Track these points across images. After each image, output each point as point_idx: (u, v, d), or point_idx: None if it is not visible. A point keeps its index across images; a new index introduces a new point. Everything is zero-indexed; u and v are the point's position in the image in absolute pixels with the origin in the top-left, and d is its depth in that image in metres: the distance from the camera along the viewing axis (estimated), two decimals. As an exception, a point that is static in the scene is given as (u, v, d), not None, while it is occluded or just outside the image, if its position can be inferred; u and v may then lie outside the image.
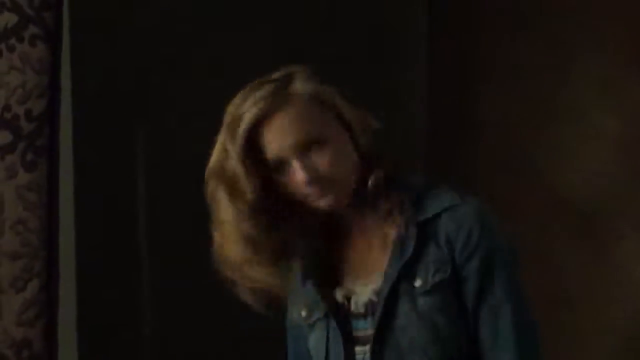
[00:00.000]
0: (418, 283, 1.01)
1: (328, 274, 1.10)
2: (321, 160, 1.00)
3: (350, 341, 1.07)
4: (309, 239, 1.10)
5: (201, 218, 1.04)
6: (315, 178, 0.99)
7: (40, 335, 1.65)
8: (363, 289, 1.06)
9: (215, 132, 1.02)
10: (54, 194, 1.69)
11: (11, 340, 1.64)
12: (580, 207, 2.40)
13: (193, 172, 1.10)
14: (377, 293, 1.04)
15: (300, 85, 1.02)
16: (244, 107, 0.99)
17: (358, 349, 1.06)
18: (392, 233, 1.04)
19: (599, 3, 2.40)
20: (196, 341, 1.97)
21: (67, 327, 1.80)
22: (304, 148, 1.00)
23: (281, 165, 1.00)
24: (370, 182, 1.03)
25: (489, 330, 1.02)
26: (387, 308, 1.02)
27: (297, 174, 1.00)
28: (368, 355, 1.04)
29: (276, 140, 1.00)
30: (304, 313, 1.10)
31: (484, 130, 2.49)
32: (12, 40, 1.58)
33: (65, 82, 1.73)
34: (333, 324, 1.07)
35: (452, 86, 2.53)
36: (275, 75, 1.03)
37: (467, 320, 1.03)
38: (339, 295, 1.07)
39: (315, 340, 1.10)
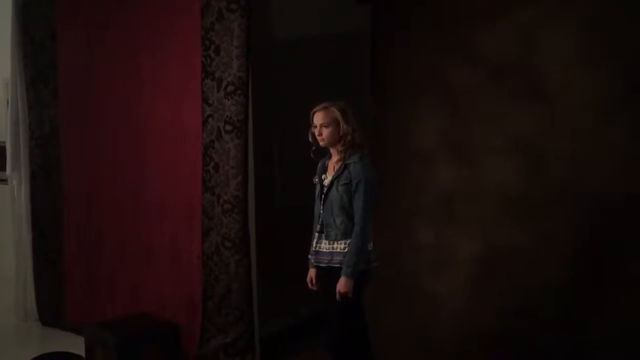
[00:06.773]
0: (339, 182, 3.21)
1: (324, 169, 3.34)
2: (324, 132, 3.25)
3: (323, 194, 3.29)
4: (326, 155, 3.34)
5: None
6: (319, 134, 3.24)
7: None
8: (328, 178, 3.28)
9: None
10: (247, 149, 4.16)
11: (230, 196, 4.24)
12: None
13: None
14: (329, 181, 3.25)
15: (331, 106, 3.24)
16: (314, 109, 3.29)
17: (323, 197, 3.28)
18: (339, 163, 3.23)
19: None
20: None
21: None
22: (321, 125, 3.24)
23: (315, 126, 3.27)
24: (340, 145, 3.23)
25: (356, 204, 3.15)
26: (329, 187, 3.26)
27: (316, 130, 3.27)
28: (323, 200, 3.27)
29: (316, 119, 3.27)
30: (316, 180, 3.35)
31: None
32: (230, 95, 4.16)
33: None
34: (320, 187, 3.33)
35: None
36: (327, 102, 3.27)
37: (352, 199, 3.18)
38: (323, 177, 3.34)
39: (317, 190, 3.36)
